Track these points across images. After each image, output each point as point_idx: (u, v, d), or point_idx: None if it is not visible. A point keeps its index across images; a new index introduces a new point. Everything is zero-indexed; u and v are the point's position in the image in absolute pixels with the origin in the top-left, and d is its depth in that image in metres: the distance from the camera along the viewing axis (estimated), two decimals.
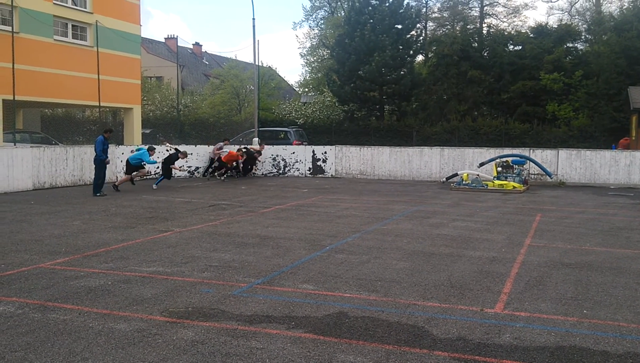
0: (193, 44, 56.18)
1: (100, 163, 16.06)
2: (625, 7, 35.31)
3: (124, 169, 18.06)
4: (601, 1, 42.63)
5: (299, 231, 10.33)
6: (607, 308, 5.96)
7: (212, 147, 23.09)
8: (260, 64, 46.82)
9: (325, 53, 40.85)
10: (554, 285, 6.86)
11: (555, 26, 37.03)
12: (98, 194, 15.72)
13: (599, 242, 9.68)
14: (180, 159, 18.77)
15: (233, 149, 22.42)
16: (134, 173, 17.53)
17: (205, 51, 57.45)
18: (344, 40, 32.01)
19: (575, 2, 45.29)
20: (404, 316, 5.63)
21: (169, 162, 18.46)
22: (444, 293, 6.46)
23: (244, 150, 22.07)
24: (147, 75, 42.56)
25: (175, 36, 51.11)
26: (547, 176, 20.47)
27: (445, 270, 7.49)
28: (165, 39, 52.84)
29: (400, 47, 32.36)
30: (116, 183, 17.36)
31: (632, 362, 4.57)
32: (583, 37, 37.37)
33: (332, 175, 23.35)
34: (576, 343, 4.97)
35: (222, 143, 22.73)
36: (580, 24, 40.65)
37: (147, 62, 43.03)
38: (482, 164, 20.52)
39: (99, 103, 25.51)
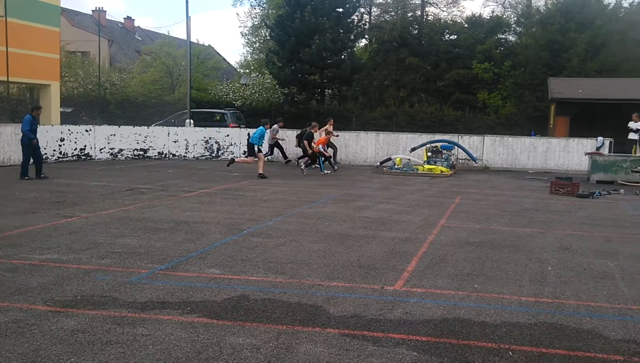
0: (124, 18, 54.30)
1: (28, 142, 15.21)
2: (550, 1, 36.69)
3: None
4: None
5: (218, 215, 10.43)
6: (496, 283, 6.44)
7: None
8: (196, 41, 46.11)
9: (267, 34, 40.36)
10: (454, 262, 7.32)
11: (488, 17, 38.16)
12: (26, 177, 15.01)
13: (506, 222, 10.30)
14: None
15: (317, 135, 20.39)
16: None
17: (138, 26, 55.85)
18: (284, 21, 31.71)
19: None
20: (305, 296, 5.88)
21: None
22: (351, 273, 6.79)
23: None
24: (70, 50, 40.35)
25: (102, 8, 48.75)
26: (473, 161, 21.32)
27: (357, 251, 7.83)
28: (92, 11, 50.11)
29: (341, 31, 32.41)
30: (258, 168, 17.27)
31: (505, 330, 5.03)
32: (513, 29, 38.66)
33: (268, 159, 23.44)
34: (460, 315, 5.39)
35: (277, 126, 21.79)
36: (511, 16, 41.95)
37: (70, 36, 40.59)
38: (413, 149, 21.15)
39: (7, 78, 23.49)
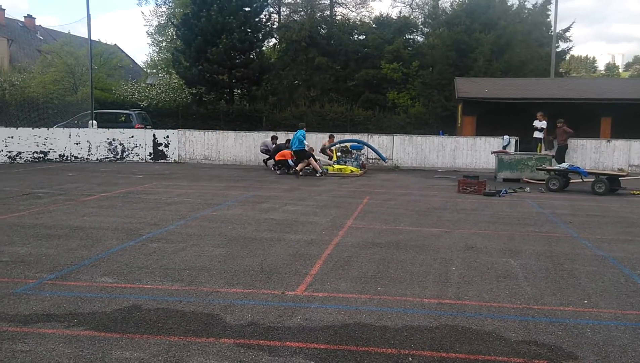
0: (25, 17, 51.48)
1: None
2: (455, 2, 37.93)
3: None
4: None
5: (118, 220, 9.83)
6: (399, 285, 6.30)
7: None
8: (99, 40, 44.16)
9: (173, 33, 39.28)
10: (359, 264, 7.14)
11: (396, 18, 38.92)
12: None
13: (413, 222, 10.29)
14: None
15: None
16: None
17: (40, 25, 53.05)
18: (190, 20, 30.98)
19: None
20: (201, 305, 5.53)
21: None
22: (252, 278, 6.46)
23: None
24: None
25: (0, 7, 46.02)
26: (383, 161, 21.53)
27: (260, 255, 7.51)
28: None
29: (249, 30, 32.08)
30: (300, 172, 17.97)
31: (406, 334, 4.86)
32: (420, 29, 39.67)
33: (174, 160, 22.72)
34: (361, 320, 5.19)
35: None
36: (419, 17, 43.04)
37: None
38: (323, 150, 21.06)
39: None
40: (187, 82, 31.88)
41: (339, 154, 20.60)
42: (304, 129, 18.57)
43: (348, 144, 20.75)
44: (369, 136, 22.53)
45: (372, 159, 22.12)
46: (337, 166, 19.65)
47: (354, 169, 19.35)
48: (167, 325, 4.99)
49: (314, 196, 13.65)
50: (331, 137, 21.11)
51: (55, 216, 10.08)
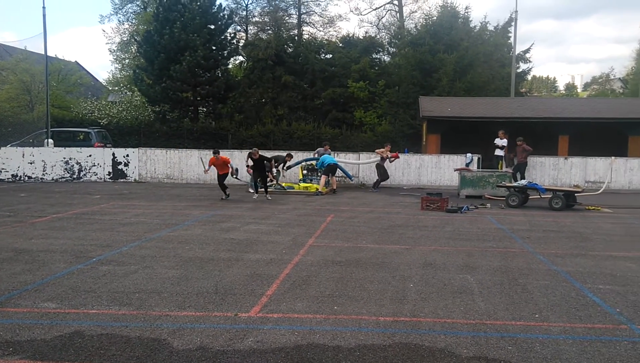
0: None
1: None
2: (420, 23, 38.48)
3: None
4: (404, 17, 46.03)
5: (68, 242, 9.50)
6: (356, 303, 6.19)
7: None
8: (58, 57, 43.33)
9: (136, 50, 38.85)
10: (317, 283, 7.01)
11: (362, 37, 39.27)
12: None
13: (375, 239, 10.21)
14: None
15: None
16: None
17: None
18: (152, 37, 30.62)
19: (383, 17, 48.49)
20: (148, 329, 5.32)
21: None
22: (205, 300, 6.27)
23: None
24: None
25: None
26: (349, 179, 21.51)
27: (216, 276, 7.31)
28: None
29: (214, 47, 31.95)
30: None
31: (359, 354, 4.75)
32: (386, 49, 40.08)
33: (135, 179, 22.28)
34: (315, 340, 5.05)
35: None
36: (385, 37, 43.51)
37: None
38: (289, 167, 20.92)
39: None
40: (150, 100, 31.46)
41: (304, 172, 20.49)
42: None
43: (314, 162, 20.65)
44: (336, 154, 22.50)
45: (338, 177, 22.06)
46: (302, 184, 19.54)
47: (319, 187, 19.24)
48: (110, 352, 4.78)
49: (278, 214, 13.49)
50: (288, 156, 20.28)
51: (1, 239, 9.68)
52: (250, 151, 17.11)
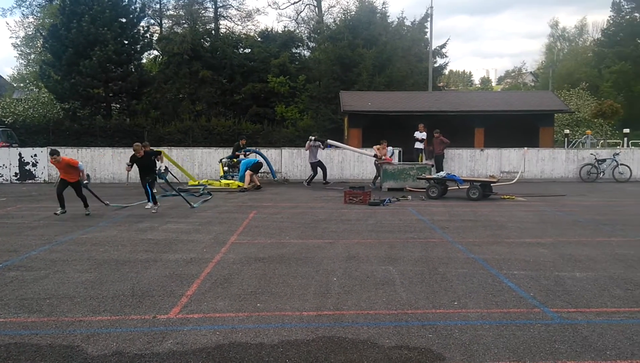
0: None
1: None
2: (339, 18, 38.88)
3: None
4: (323, 11, 46.29)
5: None
6: (280, 299, 6.10)
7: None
8: None
9: (42, 45, 37.01)
10: (239, 281, 6.86)
11: (281, 32, 39.16)
12: None
13: (298, 235, 10.14)
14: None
15: None
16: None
17: None
18: (59, 31, 29.16)
19: (301, 11, 48.59)
20: (60, 336, 5.03)
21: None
22: (121, 304, 5.98)
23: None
24: None
25: None
26: (272, 177, 21.38)
27: (133, 278, 7.01)
28: None
29: (126, 41, 30.84)
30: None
31: (282, 350, 4.68)
32: (306, 44, 40.19)
33: (44, 180, 21.20)
34: (237, 339, 4.93)
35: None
36: (304, 31, 43.64)
37: None
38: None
39: None
40: (58, 97, 30.00)
41: (225, 169, 20.17)
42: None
43: (235, 159, 20.36)
44: (258, 150, 22.31)
45: (261, 172, 21.88)
46: (223, 181, 19.21)
47: (241, 183, 18.99)
48: (19, 361, 4.48)
49: (198, 212, 13.17)
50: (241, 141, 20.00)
51: None
52: (135, 146, 13.61)
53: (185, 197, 14.83)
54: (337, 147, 21.04)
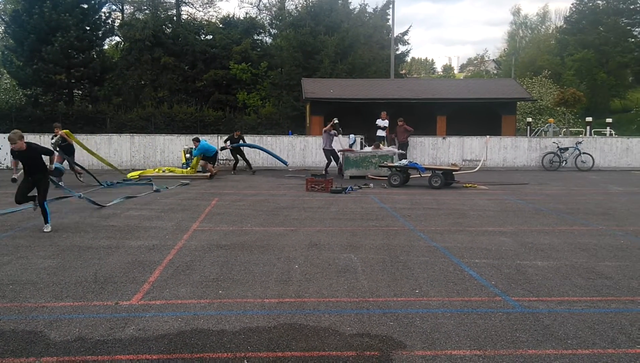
0: None
1: None
2: (300, 4, 38.85)
3: None
4: None
5: None
6: (241, 286, 6.22)
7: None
8: None
9: (4, 30, 36.25)
10: (201, 268, 6.95)
11: (242, 18, 38.93)
12: None
13: (260, 222, 10.24)
14: None
15: None
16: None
17: None
18: (21, 16, 28.70)
19: None
20: (23, 322, 5.06)
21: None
22: (83, 290, 6.02)
23: None
24: None
25: None
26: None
27: (95, 265, 7.04)
28: None
29: (88, 28, 30.42)
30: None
31: (243, 337, 4.78)
32: (268, 30, 40.04)
33: (7, 166, 20.78)
34: (199, 325, 5.03)
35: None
36: (266, 18, 43.42)
37: None
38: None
39: None
40: (21, 83, 29.61)
41: (187, 156, 20.08)
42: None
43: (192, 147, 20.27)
44: (218, 137, 22.26)
45: (223, 160, 21.86)
46: (187, 169, 19.13)
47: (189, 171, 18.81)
48: None
49: (160, 199, 13.15)
50: (196, 140, 19.73)
51: None
52: (10, 136, 9.18)
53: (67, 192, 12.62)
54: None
